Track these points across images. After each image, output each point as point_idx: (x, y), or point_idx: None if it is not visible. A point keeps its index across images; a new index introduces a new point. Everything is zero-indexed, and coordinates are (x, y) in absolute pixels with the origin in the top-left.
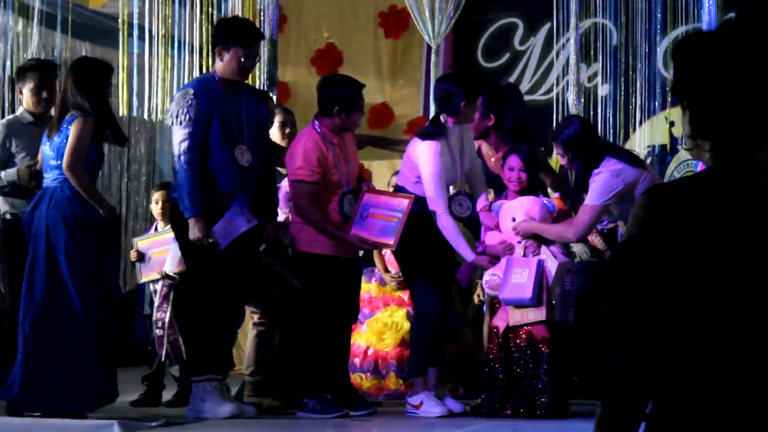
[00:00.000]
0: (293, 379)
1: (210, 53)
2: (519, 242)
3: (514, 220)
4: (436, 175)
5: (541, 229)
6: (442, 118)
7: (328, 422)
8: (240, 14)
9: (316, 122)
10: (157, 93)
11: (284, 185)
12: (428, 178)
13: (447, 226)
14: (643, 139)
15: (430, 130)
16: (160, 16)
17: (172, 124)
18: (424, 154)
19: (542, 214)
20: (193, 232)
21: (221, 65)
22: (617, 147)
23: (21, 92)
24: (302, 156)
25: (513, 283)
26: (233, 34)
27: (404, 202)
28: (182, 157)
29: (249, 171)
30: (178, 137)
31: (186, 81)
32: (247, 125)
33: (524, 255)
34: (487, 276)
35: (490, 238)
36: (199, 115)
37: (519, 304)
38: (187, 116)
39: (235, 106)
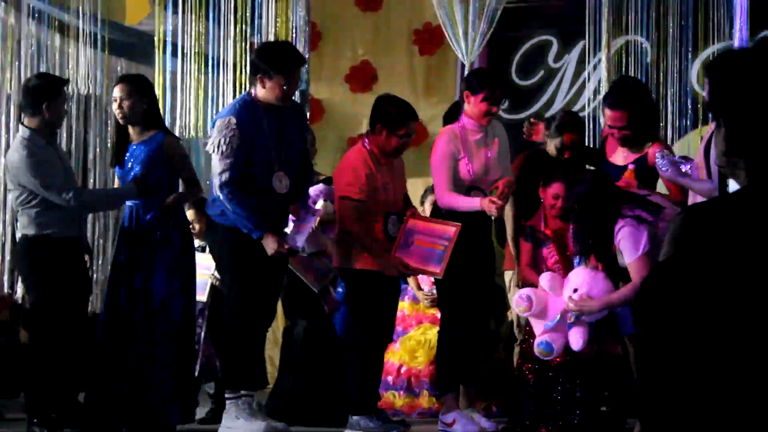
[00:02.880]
0: (330, 395)
1: (243, 71)
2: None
3: (575, 291)
4: (438, 159)
5: (605, 305)
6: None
7: None
8: (273, 32)
9: (366, 140)
10: (190, 110)
11: (312, 193)
12: (433, 162)
13: (448, 200)
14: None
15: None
16: (193, 33)
17: (213, 152)
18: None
19: (606, 289)
20: (270, 248)
21: (263, 92)
22: (633, 195)
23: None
24: (352, 173)
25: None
26: (275, 63)
27: (450, 231)
28: (224, 189)
29: (287, 197)
30: (219, 167)
31: (219, 99)
32: (287, 150)
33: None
34: (520, 297)
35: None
36: (241, 146)
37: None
38: (229, 147)
39: (276, 131)
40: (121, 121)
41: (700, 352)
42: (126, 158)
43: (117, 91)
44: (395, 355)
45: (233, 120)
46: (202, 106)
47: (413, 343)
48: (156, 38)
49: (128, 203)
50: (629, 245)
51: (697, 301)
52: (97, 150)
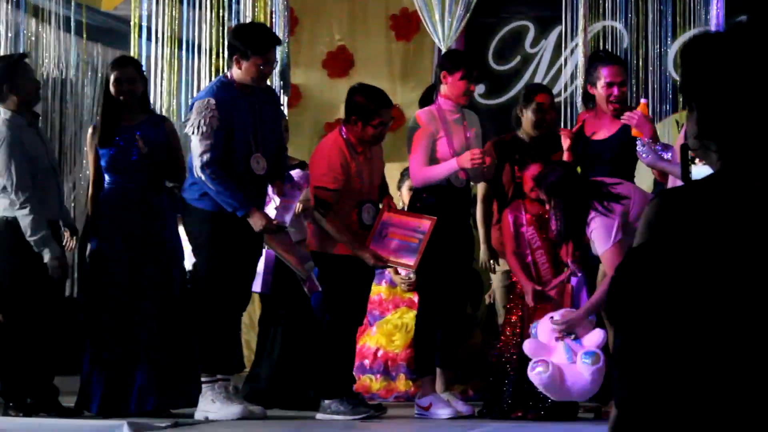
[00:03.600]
0: (308, 380)
1: (221, 55)
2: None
3: (551, 318)
4: (415, 138)
5: (588, 311)
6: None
7: (339, 423)
8: (251, 17)
9: (342, 128)
10: (163, 95)
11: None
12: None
13: (424, 175)
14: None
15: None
16: (168, 18)
17: (193, 133)
18: None
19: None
20: (257, 225)
21: (240, 73)
22: (599, 186)
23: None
24: (327, 162)
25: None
26: (251, 43)
27: (425, 224)
28: (207, 169)
29: (264, 178)
30: (200, 148)
31: (195, 83)
32: (263, 132)
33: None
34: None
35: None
36: (221, 127)
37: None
38: (209, 128)
39: (254, 113)
40: (122, 102)
41: (675, 337)
42: (116, 139)
43: (123, 73)
44: (372, 339)
45: (212, 101)
46: (175, 90)
47: (390, 327)
48: (132, 22)
49: (131, 186)
50: (601, 235)
51: (671, 286)
52: (73, 133)
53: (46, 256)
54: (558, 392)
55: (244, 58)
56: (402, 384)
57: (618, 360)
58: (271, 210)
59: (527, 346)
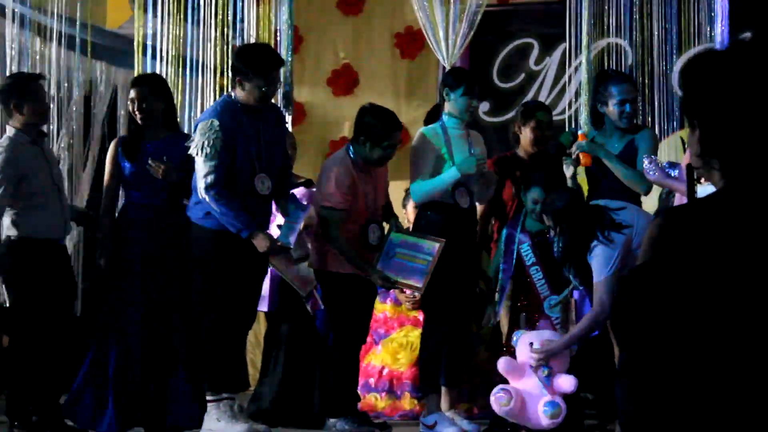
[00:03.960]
0: (312, 398)
1: (225, 74)
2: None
3: (531, 344)
4: (415, 154)
5: (568, 342)
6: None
7: None
8: (255, 35)
9: (350, 147)
10: None
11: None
12: (411, 158)
13: (425, 189)
14: (660, 160)
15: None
16: (173, 36)
17: (197, 154)
18: None
19: (565, 351)
20: (261, 246)
21: (243, 93)
22: (603, 213)
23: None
24: (335, 182)
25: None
26: (254, 65)
27: (435, 246)
28: (211, 191)
29: (268, 198)
30: (204, 170)
31: (199, 102)
32: (268, 151)
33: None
34: (499, 394)
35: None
36: (225, 148)
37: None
38: (213, 149)
39: (258, 133)
40: (140, 122)
41: (679, 354)
42: (140, 155)
43: (132, 93)
44: (377, 358)
45: (216, 122)
46: (180, 109)
47: (395, 345)
48: (135, 41)
49: (150, 202)
50: (600, 264)
51: (674, 303)
52: (79, 152)
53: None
54: (516, 419)
55: (247, 79)
56: (407, 402)
57: (622, 376)
58: (274, 228)
59: (501, 365)
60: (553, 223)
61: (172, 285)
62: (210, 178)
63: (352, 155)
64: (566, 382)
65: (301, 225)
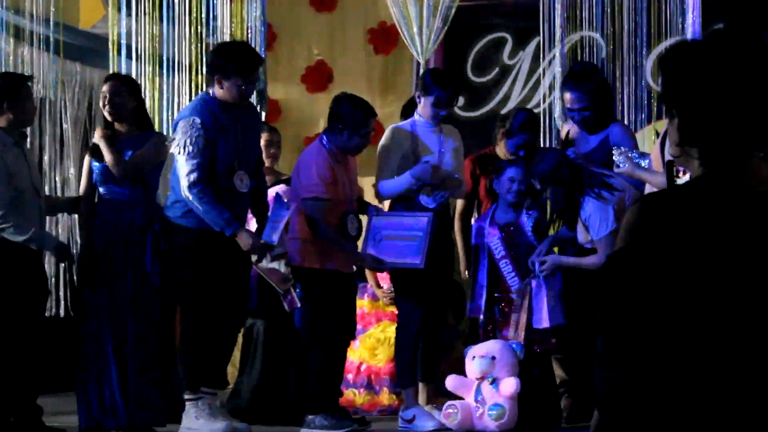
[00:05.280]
0: (290, 395)
1: (199, 72)
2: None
3: (473, 358)
4: (382, 151)
5: (574, 264)
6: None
7: None
8: (229, 32)
9: (324, 138)
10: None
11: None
12: (378, 154)
13: (387, 188)
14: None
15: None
16: (148, 35)
17: (179, 153)
18: None
19: (510, 359)
20: (244, 244)
21: (221, 92)
22: (593, 175)
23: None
24: (316, 172)
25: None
26: (232, 63)
27: (422, 220)
28: (194, 189)
29: (246, 196)
30: (186, 168)
31: (175, 100)
32: (246, 149)
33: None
34: (447, 411)
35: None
36: (206, 145)
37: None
38: (196, 147)
39: (236, 130)
40: (109, 117)
41: (656, 340)
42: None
43: (108, 87)
44: (355, 353)
45: (197, 120)
46: (157, 107)
47: (373, 340)
48: (110, 41)
49: (123, 199)
50: (595, 221)
51: (652, 290)
52: (52, 153)
53: (49, 249)
54: (470, 429)
55: (225, 77)
56: (385, 398)
57: (599, 363)
58: (252, 227)
59: (449, 383)
60: (541, 186)
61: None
62: (193, 176)
63: (326, 146)
64: (508, 385)
65: (284, 223)
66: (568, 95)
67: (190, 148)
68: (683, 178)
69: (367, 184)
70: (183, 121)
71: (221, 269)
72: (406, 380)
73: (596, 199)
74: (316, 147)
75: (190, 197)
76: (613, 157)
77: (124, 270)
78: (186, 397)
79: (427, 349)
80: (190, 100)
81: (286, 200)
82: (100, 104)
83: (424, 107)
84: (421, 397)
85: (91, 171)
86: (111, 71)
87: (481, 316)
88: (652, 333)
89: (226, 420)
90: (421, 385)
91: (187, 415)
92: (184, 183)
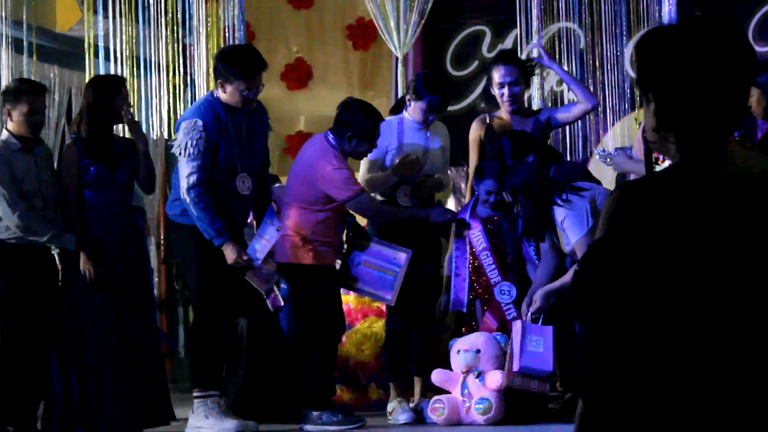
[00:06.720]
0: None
1: (177, 73)
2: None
3: (458, 351)
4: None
5: (560, 286)
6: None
7: None
8: (205, 32)
9: (330, 136)
10: None
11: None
12: None
13: (369, 182)
14: (614, 141)
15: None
16: (124, 37)
17: (180, 154)
18: None
19: (494, 351)
20: (229, 258)
21: (224, 95)
22: (560, 182)
23: (9, 115)
24: (340, 170)
25: (529, 351)
26: (235, 68)
27: (401, 256)
28: (191, 192)
29: (248, 198)
30: (186, 170)
31: (154, 101)
32: (249, 151)
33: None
34: (434, 405)
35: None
36: (208, 148)
37: (536, 375)
38: (197, 149)
39: (240, 132)
40: (125, 122)
41: (638, 329)
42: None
43: (124, 92)
44: (342, 349)
45: (199, 122)
46: (136, 109)
47: (359, 336)
48: (86, 43)
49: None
50: (572, 224)
51: (632, 278)
52: None
53: (69, 245)
54: (456, 423)
55: (228, 82)
56: (373, 392)
57: (581, 352)
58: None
59: (435, 377)
60: (513, 199)
61: (133, 282)
62: (192, 179)
63: (334, 144)
64: (493, 379)
65: (272, 244)
66: (497, 73)
67: (191, 149)
68: (662, 165)
69: None
70: (185, 123)
71: (223, 265)
72: (394, 374)
73: (563, 204)
74: (324, 146)
75: (187, 199)
76: (598, 159)
77: (122, 270)
78: (195, 395)
79: (421, 343)
80: (168, 100)
81: (278, 228)
82: (123, 110)
83: (414, 110)
84: (417, 391)
85: (81, 170)
86: (88, 74)
87: (464, 310)
88: (633, 321)
89: (235, 419)
90: (416, 380)
91: (194, 414)
92: (183, 184)
